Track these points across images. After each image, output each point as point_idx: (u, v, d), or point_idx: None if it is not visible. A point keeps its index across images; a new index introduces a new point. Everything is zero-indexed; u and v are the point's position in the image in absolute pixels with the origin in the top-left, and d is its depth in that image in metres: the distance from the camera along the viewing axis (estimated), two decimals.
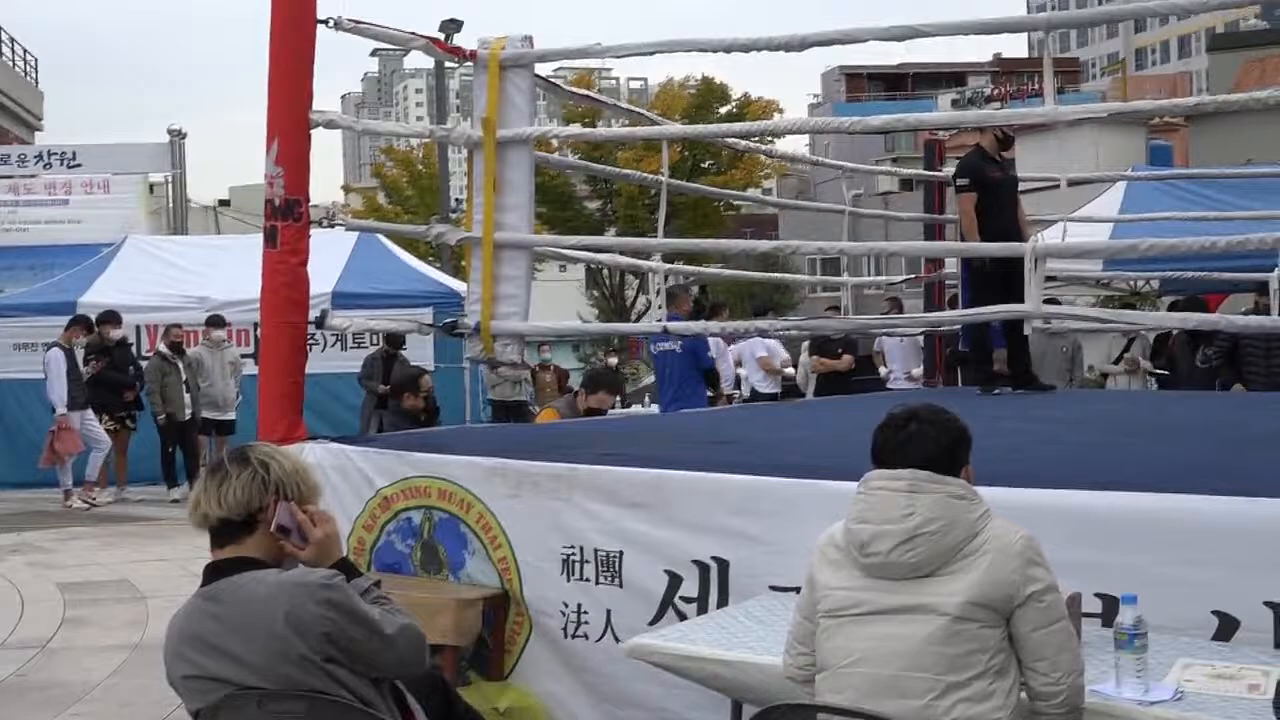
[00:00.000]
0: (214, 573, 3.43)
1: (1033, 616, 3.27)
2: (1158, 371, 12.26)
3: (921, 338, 11.95)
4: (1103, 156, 28.66)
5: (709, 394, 12.09)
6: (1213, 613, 3.99)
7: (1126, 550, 4.14)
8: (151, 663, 5.06)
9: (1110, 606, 4.00)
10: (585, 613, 5.36)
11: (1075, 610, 3.71)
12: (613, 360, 21.62)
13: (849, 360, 14.37)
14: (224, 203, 41.97)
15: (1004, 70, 60.80)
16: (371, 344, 15.75)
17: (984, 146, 8.98)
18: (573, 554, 5.39)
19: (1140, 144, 33.10)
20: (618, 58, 7.06)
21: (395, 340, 14.84)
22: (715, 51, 6.58)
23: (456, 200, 29.30)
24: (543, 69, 6.99)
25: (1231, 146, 28.14)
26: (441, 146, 22.42)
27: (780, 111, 42.57)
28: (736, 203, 42.64)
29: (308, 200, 6.32)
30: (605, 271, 39.73)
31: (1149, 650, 3.47)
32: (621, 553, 5.26)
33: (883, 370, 15.21)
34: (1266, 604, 3.90)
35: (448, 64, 14.30)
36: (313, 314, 6.56)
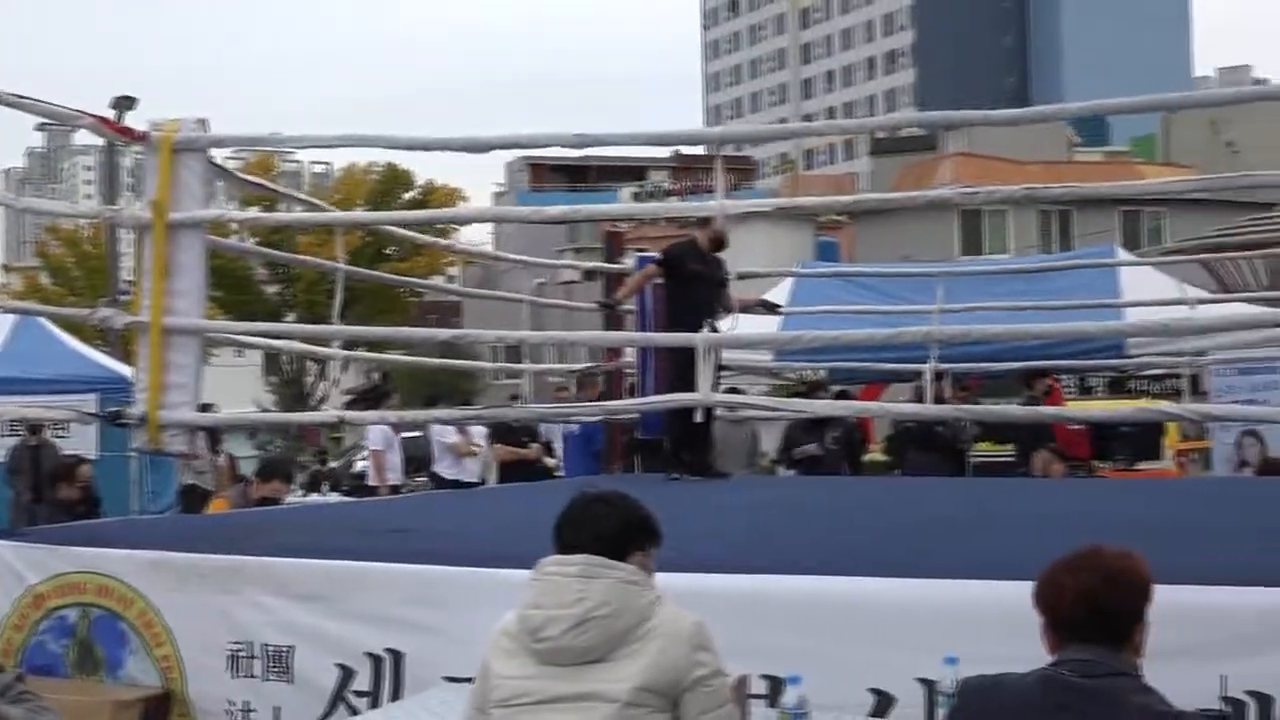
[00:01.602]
0: None
1: (699, 701, 3.31)
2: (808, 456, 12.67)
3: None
4: (773, 252, 29.89)
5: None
6: (870, 690, 4.16)
7: (793, 632, 4.29)
8: None
9: (777, 687, 4.11)
10: (253, 710, 5.16)
11: (742, 692, 3.79)
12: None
13: (538, 449, 14.37)
14: None
15: (683, 166, 62.93)
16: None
17: (698, 241, 9.12)
18: (241, 649, 5.19)
19: (809, 240, 34.64)
20: (297, 148, 7.00)
21: (35, 428, 13.96)
22: (397, 149, 6.68)
23: (127, 282, 28.15)
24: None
25: (891, 243, 29.89)
26: (111, 227, 21.52)
27: (464, 199, 42.92)
28: (419, 289, 42.52)
29: None
30: (284, 357, 38.81)
31: None
32: (292, 647, 5.10)
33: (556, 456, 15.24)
34: (919, 680, 4.08)
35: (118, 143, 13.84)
36: None
